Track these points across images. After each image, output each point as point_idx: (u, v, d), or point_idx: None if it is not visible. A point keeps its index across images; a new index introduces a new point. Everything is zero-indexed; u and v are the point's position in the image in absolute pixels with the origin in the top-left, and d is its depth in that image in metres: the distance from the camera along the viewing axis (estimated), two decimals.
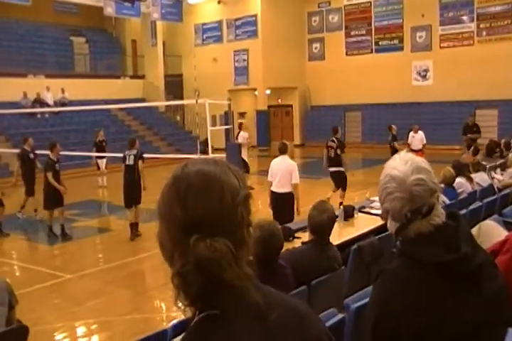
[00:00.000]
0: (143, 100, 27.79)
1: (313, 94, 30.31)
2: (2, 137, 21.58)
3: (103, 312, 6.92)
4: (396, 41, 27.60)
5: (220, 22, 30.03)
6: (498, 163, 10.71)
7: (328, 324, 2.80)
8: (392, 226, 1.82)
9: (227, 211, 1.16)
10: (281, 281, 3.67)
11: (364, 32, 28.70)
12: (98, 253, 10.69)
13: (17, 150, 18.29)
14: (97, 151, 17.45)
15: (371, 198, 8.10)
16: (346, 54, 29.38)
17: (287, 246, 4.58)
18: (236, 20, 29.24)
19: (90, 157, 18.09)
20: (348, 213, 6.92)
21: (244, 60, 29.16)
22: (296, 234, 5.98)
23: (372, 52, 28.49)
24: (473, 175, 8.46)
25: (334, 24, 29.75)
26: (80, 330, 6.62)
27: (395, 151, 15.70)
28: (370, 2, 28.28)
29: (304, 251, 4.38)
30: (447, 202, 6.79)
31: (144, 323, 6.51)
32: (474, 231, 3.65)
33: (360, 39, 28.85)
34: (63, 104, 24.34)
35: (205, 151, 16.73)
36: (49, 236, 10.87)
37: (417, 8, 26.17)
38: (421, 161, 1.79)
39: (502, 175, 9.25)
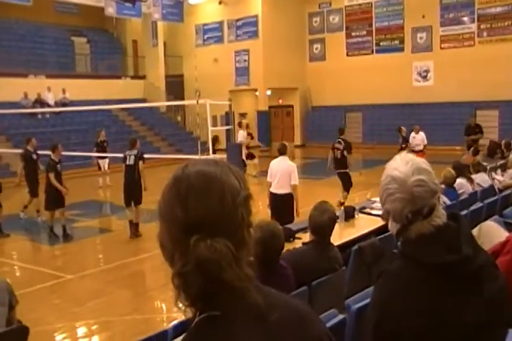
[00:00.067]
0: (144, 100, 27.79)
1: (313, 94, 30.31)
2: (3, 137, 21.59)
3: (103, 312, 6.92)
4: (397, 42, 27.60)
5: (220, 22, 30.04)
6: (498, 163, 10.71)
7: (328, 325, 2.79)
8: (393, 227, 1.82)
9: (227, 212, 1.16)
10: (281, 282, 3.67)
11: (365, 33, 28.70)
12: (99, 253, 10.70)
13: (17, 151, 18.40)
14: (99, 151, 17.47)
15: (372, 199, 8.11)
16: (347, 54, 29.39)
17: (288, 246, 4.57)
18: (237, 20, 29.25)
19: (91, 157, 18.10)
20: (349, 214, 6.91)
21: (245, 61, 29.17)
22: (297, 235, 5.98)
23: (372, 52, 28.49)
24: (473, 176, 8.46)
25: (335, 25, 29.76)
26: (81, 331, 6.62)
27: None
28: (371, 3, 28.28)
29: (304, 252, 4.38)
30: (448, 202, 6.79)
31: (145, 324, 6.50)
32: (475, 232, 3.64)
33: (360, 40, 28.86)
34: (64, 105, 24.34)
35: (214, 151, 16.86)
36: (50, 236, 10.87)
37: (418, 9, 26.17)
38: (422, 162, 1.79)
39: (502, 175, 9.25)
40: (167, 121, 28.99)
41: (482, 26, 25.03)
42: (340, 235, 5.98)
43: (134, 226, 10.73)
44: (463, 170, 8.25)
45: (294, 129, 30.91)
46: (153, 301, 7.58)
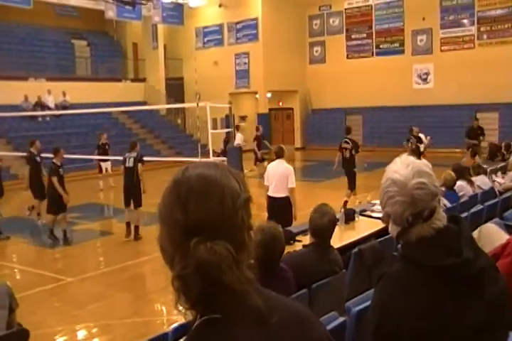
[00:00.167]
0: (144, 103, 27.82)
1: (313, 97, 30.33)
2: (3, 140, 21.59)
3: (104, 315, 6.91)
4: (397, 44, 27.62)
5: (220, 25, 30.07)
6: (499, 166, 10.71)
7: (329, 327, 2.79)
8: (393, 229, 1.82)
9: (227, 214, 1.16)
10: (282, 285, 3.67)
11: (365, 35, 28.72)
12: (99, 256, 10.70)
13: (18, 154, 18.42)
14: (100, 154, 17.50)
15: (372, 201, 8.10)
16: (347, 57, 29.41)
17: (288, 249, 4.57)
18: (237, 23, 29.27)
19: (91, 160, 18.12)
20: (349, 216, 6.91)
21: (245, 64, 29.19)
22: (297, 237, 5.97)
23: (373, 55, 28.52)
24: (474, 179, 8.45)
25: (335, 27, 29.79)
26: (81, 334, 6.61)
27: (418, 154, 15.72)
28: (371, 5, 28.31)
29: (304, 254, 4.38)
30: (448, 205, 6.78)
31: (145, 327, 6.50)
32: (475, 234, 3.64)
33: (360, 42, 28.88)
34: (64, 107, 24.34)
35: (225, 151, 16.96)
36: (50, 239, 10.84)
37: (418, 12, 26.20)
38: (422, 165, 1.79)
39: (503, 178, 9.25)
40: (167, 124, 29.00)
41: (482, 29, 25.05)
42: (340, 238, 5.97)
43: (134, 229, 10.74)
44: (463, 173, 8.24)
45: (294, 132, 30.91)
46: (154, 304, 7.57)
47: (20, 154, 17.48)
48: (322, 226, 4.33)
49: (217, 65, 29.69)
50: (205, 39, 30.90)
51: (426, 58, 26.50)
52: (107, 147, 17.75)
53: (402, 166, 1.77)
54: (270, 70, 27.83)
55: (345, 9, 29.27)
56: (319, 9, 30.26)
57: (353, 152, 12.35)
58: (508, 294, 1.74)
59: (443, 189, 7.12)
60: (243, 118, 29.62)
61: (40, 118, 23.94)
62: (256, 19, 28.39)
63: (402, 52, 27.39)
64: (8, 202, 13.22)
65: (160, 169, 17.01)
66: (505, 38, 24.39)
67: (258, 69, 28.26)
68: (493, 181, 8.94)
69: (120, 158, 11.70)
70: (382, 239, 5.48)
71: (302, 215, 8.17)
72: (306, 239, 4.93)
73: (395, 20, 27.58)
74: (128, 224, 10.87)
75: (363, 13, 28.64)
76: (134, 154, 10.78)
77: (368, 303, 2.38)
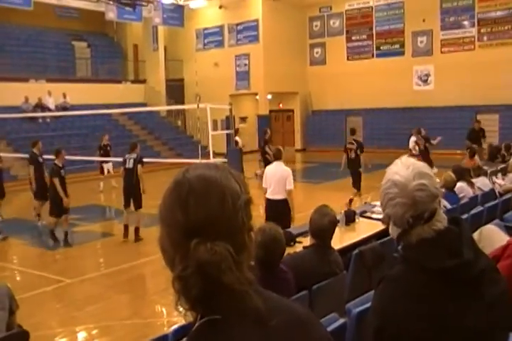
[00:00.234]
0: (144, 105, 27.84)
1: (314, 98, 30.32)
2: (3, 141, 21.59)
3: (104, 317, 6.91)
4: (397, 46, 27.62)
5: (221, 27, 30.06)
6: (499, 167, 10.71)
7: (329, 329, 2.79)
8: (393, 231, 1.82)
9: (227, 215, 1.16)
10: (282, 286, 3.67)
11: (365, 37, 28.73)
12: (99, 257, 10.69)
13: (18, 155, 18.45)
14: (102, 155, 17.51)
15: (372, 203, 8.10)
16: (347, 59, 29.40)
17: (288, 250, 4.57)
18: (237, 24, 29.26)
19: (91, 161, 18.12)
20: (350, 218, 6.91)
21: (245, 65, 29.19)
22: (298, 239, 5.97)
23: (373, 56, 28.51)
24: (474, 180, 8.45)
25: (335, 29, 29.79)
26: (81, 335, 6.61)
27: (427, 155, 15.75)
28: (371, 7, 28.32)
29: (305, 256, 4.38)
30: (448, 206, 6.78)
31: (145, 328, 6.50)
32: (475, 236, 3.64)
33: (361, 44, 28.87)
34: (64, 109, 24.35)
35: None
36: (51, 239, 10.82)
37: (418, 13, 26.19)
38: (423, 166, 1.79)
39: (503, 179, 9.25)
40: (167, 126, 28.99)
41: (482, 30, 25.06)
42: (340, 239, 5.97)
43: (135, 231, 10.74)
44: (463, 174, 8.24)
45: (295, 133, 30.89)
46: (154, 305, 7.57)
47: (21, 155, 17.53)
48: (322, 227, 4.33)
49: (218, 66, 29.68)
50: (206, 40, 30.89)
51: (426, 60, 26.50)
52: (108, 148, 17.75)
53: (403, 168, 1.77)
54: (270, 72, 27.82)
55: (346, 11, 29.27)
56: (319, 11, 30.26)
57: (358, 152, 12.53)
58: (508, 296, 1.74)
59: (443, 190, 7.12)
60: (243, 119, 29.65)
61: (40, 120, 23.93)
62: (256, 20, 28.39)
63: (403, 53, 27.39)
64: (9, 204, 13.22)
65: (160, 170, 17.03)
66: (505, 39, 24.38)
67: (258, 71, 28.25)
68: (494, 183, 8.94)
69: (120, 159, 11.71)
70: (382, 240, 5.48)
71: (302, 217, 8.15)
72: (307, 241, 4.93)
73: (396, 22, 27.59)
74: (126, 227, 10.87)
75: (364, 14, 28.65)
76: (134, 155, 10.80)
77: (368, 305, 2.38)
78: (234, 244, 1.14)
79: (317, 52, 30.60)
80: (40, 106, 24.03)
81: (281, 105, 30.81)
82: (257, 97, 29.02)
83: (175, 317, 6.41)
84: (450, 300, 1.63)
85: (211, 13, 30.09)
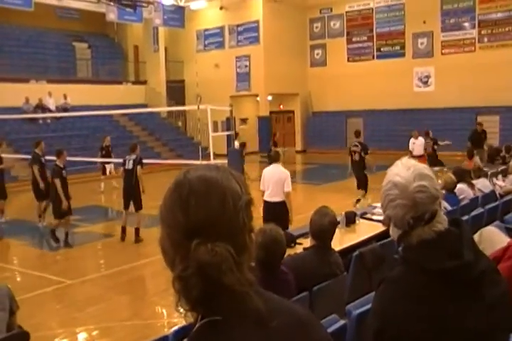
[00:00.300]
0: (145, 106, 27.84)
1: (314, 100, 30.35)
2: (4, 142, 21.55)
3: (104, 318, 6.90)
4: (398, 47, 27.66)
5: (222, 28, 30.09)
6: (499, 169, 10.71)
7: (329, 330, 2.79)
8: (394, 232, 1.82)
9: (228, 216, 1.16)
10: (283, 287, 3.66)
11: (366, 38, 28.76)
12: (99, 258, 10.68)
13: (18, 156, 18.45)
14: (103, 156, 17.52)
15: (373, 204, 8.10)
16: (348, 60, 29.43)
17: (289, 251, 4.57)
18: (238, 26, 29.29)
19: (92, 162, 18.11)
20: (350, 219, 6.91)
21: (246, 66, 29.20)
22: (298, 240, 5.97)
23: (373, 58, 28.54)
24: (474, 182, 8.45)
25: (336, 30, 29.82)
26: (81, 336, 6.60)
27: (435, 156, 15.72)
28: (372, 8, 28.35)
29: (305, 257, 4.38)
30: (449, 208, 6.79)
31: (145, 329, 6.49)
32: (476, 237, 3.64)
33: (361, 45, 28.91)
34: (65, 110, 24.36)
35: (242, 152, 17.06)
36: (52, 240, 10.78)
37: (419, 15, 26.22)
38: (423, 167, 1.79)
39: (504, 181, 9.25)
40: (168, 127, 29.00)
41: (483, 32, 25.09)
42: (341, 240, 5.97)
43: (135, 232, 10.74)
44: (464, 176, 8.25)
45: (295, 135, 30.92)
46: (154, 306, 7.56)
47: (21, 156, 17.54)
48: (323, 227, 4.33)
49: (218, 67, 29.71)
50: (206, 42, 30.91)
51: (427, 61, 26.53)
52: (109, 149, 17.76)
53: (404, 169, 1.77)
54: (271, 73, 27.84)
55: (346, 12, 29.31)
56: (320, 12, 30.30)
57: (362, 154, 12.57)
58: (509, 297, 1.74)
59: (443, 192, 7.11)
60: (244, 120, 29.66)
61: (40, 121, 23.94)
62: (257, 22, 28.42)
63: (403, 55, 27.42)
64: (9, 204, 13.22)
65: (160, 171, 17.03)
66: (505, 41, 24.42)
67: (259, 72, 28.27)
68: (494, 184, 8.94)
69: (120, 160, 11.71)
70: (383, 241, 5.48)
71: (302, 218, 8.15)
72: (307, 242, 4.93)
73: (396, 24, 27.62)
74: (123, 229, 10.85)
75: (364, 16, 28.68)
76: (134, 156, 10.80)
77: (368, 306, 2.38)
78: (235, 245, 1.14)
79: (317, 54, 30.63)
80: (41, 107, 24.03)
81: (281, 106, 30.84)
82: (258, 98, 29.04)
83: (175, 318, 6.41)
84: (450, 302, 1.63)
85: (212, 14, 30.12)
